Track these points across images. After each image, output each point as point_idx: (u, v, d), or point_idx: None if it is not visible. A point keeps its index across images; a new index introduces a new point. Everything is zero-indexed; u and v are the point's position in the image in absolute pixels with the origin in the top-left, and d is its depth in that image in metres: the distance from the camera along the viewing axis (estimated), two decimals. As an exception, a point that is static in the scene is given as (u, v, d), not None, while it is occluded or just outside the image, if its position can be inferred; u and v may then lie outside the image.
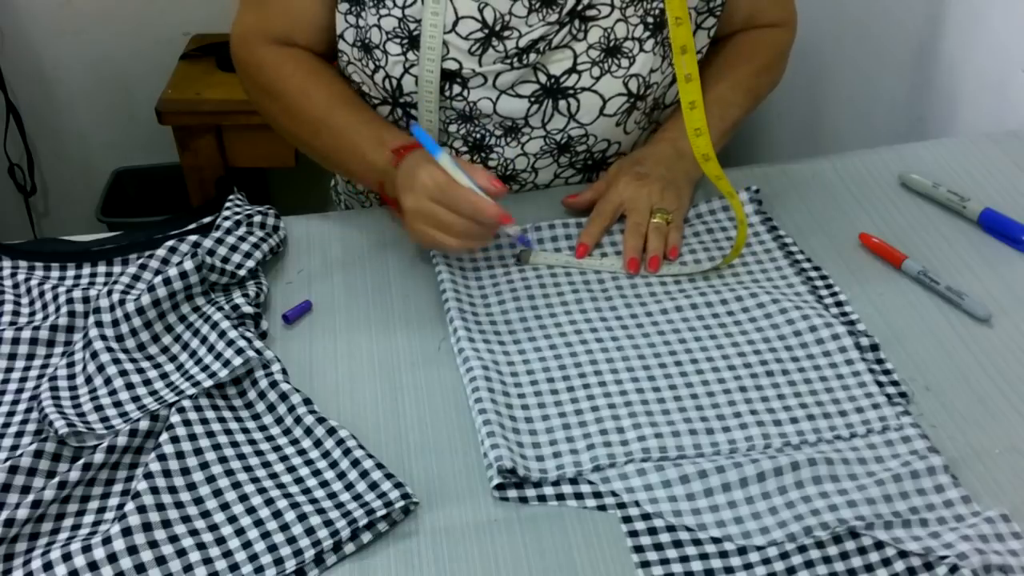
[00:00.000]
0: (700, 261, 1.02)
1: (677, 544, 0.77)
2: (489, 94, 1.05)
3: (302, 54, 1.11)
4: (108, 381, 0.87)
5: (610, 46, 1.04)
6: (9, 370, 0.92)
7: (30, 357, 0.93)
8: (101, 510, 0.80)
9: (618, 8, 1.03)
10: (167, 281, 0.92)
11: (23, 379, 0.91)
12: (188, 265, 0.93)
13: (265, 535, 0.77)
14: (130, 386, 0.88)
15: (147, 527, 0.75)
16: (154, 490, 0.78)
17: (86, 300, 0.95)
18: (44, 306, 0.97)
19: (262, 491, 0.80)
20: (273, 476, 0.82)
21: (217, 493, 0.80)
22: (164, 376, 0.89)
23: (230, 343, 0.89)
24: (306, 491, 0.80)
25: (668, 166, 1.06)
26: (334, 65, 1.14)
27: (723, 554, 0.76)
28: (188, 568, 0.74)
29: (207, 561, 0.75)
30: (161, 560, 0.74)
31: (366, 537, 0.77)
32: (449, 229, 0.94)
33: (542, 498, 0.80)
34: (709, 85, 1.11)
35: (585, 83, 1.06)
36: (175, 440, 0.82)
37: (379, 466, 0.81)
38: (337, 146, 1.07)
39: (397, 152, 1.00)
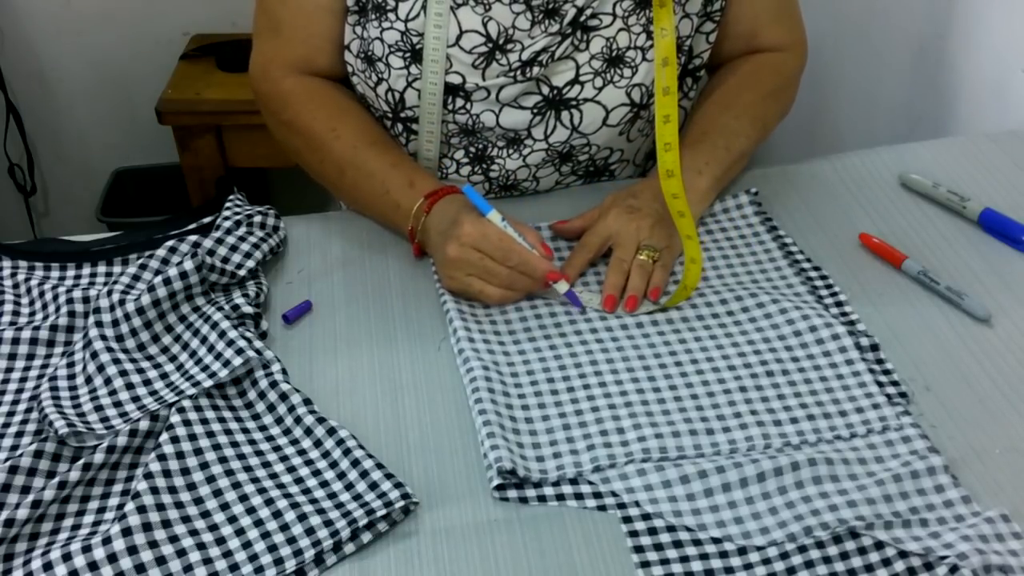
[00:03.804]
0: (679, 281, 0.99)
1: (677, 544, 0.77)
2: (492, 107, 1.04)
3: (328, 88, 1.09)
4: (108, 381, 0.88)
5: (612, 56, 1.03)
6: (9, 370, 0.92)
7: (30, 357, 0.93)
8: (101, 510, 0.80)
9: (620, 17, 1.02)
10: (167, 281, 0.92)
11: (23, 379, 0.91)
12: (188, 265, 0.93)
13: (265, 535, 0.77)
14: (130, 386, 0.88)
15: (147, 527, 0.75)
16: (154, 490, 0.78)
17: (86, 300, 0.95)
18: (44, 306, 0.97)
19: (262, 491, 0.80)
20: (273, 476, 0.82)
21: (217, 493, 0.80)
22: (164, 376, 0.89)
23: (230, 343, 0.89)
24: (306, 491, 0.80)
25: (664, 201, 1.01)
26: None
27: (723, 554, 0.76)
28: (188, 568, 0.74)
29: (207, 561, 0.75)
30: (161, 560, 0.74)
31: (366, 537, 0.77)
32: (492, 278, 0.94)
33: (542, 498, 0.80)
34: (714, 114, 1.08)
35: (588, 94, 1.04)
36: (175, 440, 0.82)
37: (379, 466, 0.81)
38: (365, 188, 1.05)
39: (429, 197, 0.99)
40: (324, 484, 0.81)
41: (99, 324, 0.91)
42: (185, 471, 0.80)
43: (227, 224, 1.01)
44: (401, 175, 1.02)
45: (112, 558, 0.73)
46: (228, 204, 1.05)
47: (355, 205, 1.10)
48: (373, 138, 1.06)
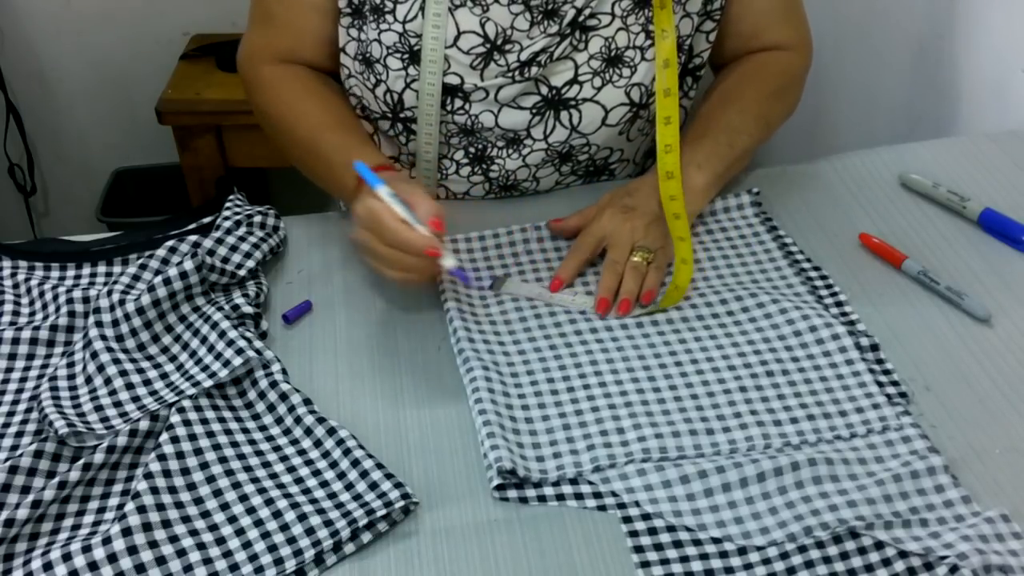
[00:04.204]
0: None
1: (677, 544, 0.77)
2: (491, 108, 1.04)
3: (302, 73, 1.10)
4: (108, 381, 0.88)
5: (611, 55, 1.03)
6: (9, 370, 0.92)
7: (30, 357, 0.93)
8: (101, 510, 0.80)
9: (619, 17, 1.02)
10: (167, 281, 0.92)
11: (23, 379, 0.91)
12: (188, 265, 0.93)
13: (265, 535, 0.77)
14: (130, 386, 0.88)
15: (147, 527, 0.75)
16: (154, 490, 0.78)
17: (86, 300, 0.95)
18: (44, 306, 0.97)
19: (262, 491, 0.80)
20: (273, 476, 0.82)
21: (217, 493, 0.80)
22: (164, 376, 0.89)
23: (230, 343, 0.89)
24: (306, 491, 0.80)
25: (660, 200, 1.00)
26: (336, 81, 1.13)
27: (723, 554, 0.76)
28: (188, 568, 0.74)
29: (207, 561, 0.75)
30: (161, 560, 0.74)
31: (366, 537, 0.77)
32: (383, 261, 0.91)
33: (542, 498, 0.80)
34: (717, 111, 1.08)
35: (587, 94, 1.04)
36: (175, 440, 0.82)
37: (379, 466, 0.81)
38: (323, 169, 1.05)
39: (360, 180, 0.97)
40: (324, 484, 0.81)
41: (99, 324, 0.91)
42: (185, 471, 0.80)
43: (227, 224, 1.01)
44: (344, 157, 0.99)
45: (112, 558, 0.73)
46: (228, 204, 1.05)
47: (321, 185, 1.09)
48: (336, 120, 1.06)
